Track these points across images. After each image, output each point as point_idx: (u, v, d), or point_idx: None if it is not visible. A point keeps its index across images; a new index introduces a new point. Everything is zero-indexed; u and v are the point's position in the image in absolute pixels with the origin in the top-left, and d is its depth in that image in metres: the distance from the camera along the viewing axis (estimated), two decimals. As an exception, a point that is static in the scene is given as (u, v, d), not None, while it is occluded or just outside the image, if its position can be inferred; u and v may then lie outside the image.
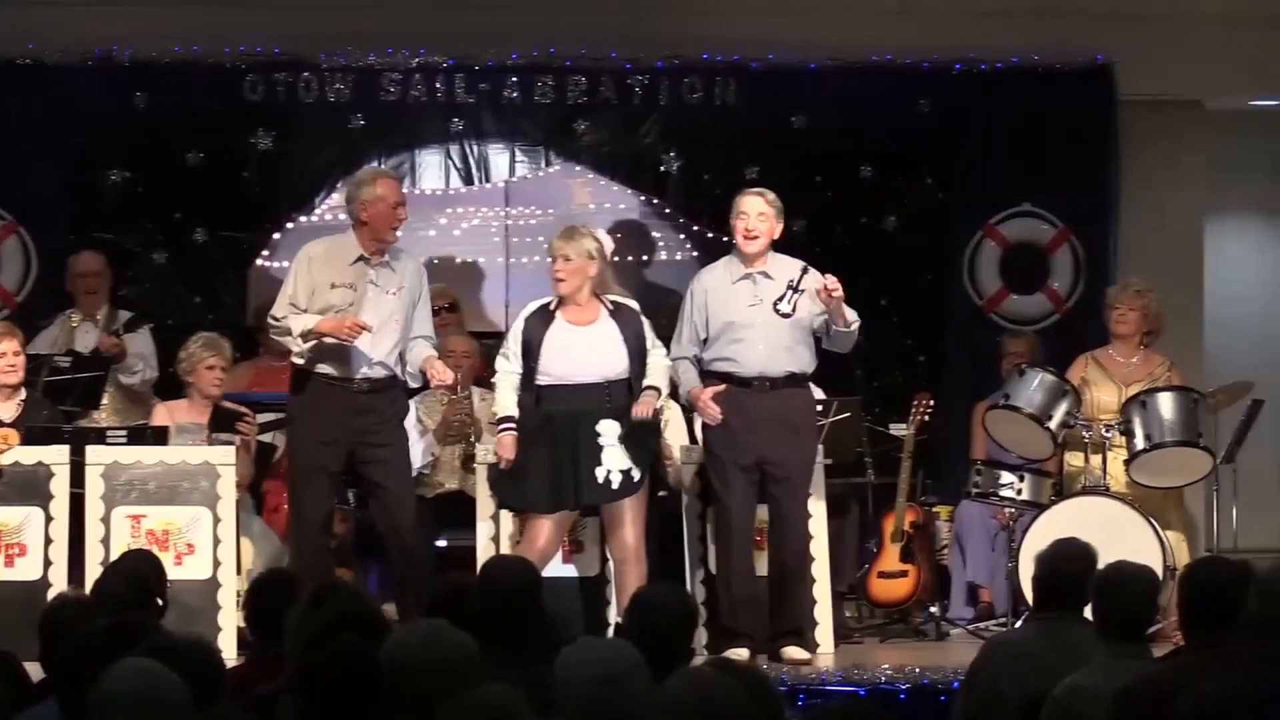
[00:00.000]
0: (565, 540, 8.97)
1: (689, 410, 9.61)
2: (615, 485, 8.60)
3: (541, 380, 8.65)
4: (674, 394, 9.87)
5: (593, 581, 9.10)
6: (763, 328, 8.85)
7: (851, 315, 8.84)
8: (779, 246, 9.06)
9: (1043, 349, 10.89)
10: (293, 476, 9.02)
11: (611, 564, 8.85)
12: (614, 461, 8.59)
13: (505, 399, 8.73)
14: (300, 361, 8.87)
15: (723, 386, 8.83)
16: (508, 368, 8.74)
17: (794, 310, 8.87)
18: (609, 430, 8.61)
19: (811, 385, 9.35)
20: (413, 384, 9.25)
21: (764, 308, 8.86)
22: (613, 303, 8.79)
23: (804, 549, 9.00)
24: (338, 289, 8.83)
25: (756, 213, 8.93)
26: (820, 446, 9.18)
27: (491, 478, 8.86)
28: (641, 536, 8.72)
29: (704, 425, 9.01)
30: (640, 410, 8.66)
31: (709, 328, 8.92)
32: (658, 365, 8.80)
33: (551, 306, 8.74)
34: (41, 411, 9.43)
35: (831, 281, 8.73)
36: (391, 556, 9.00)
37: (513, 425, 8.65)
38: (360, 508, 9.74)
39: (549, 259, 8.77)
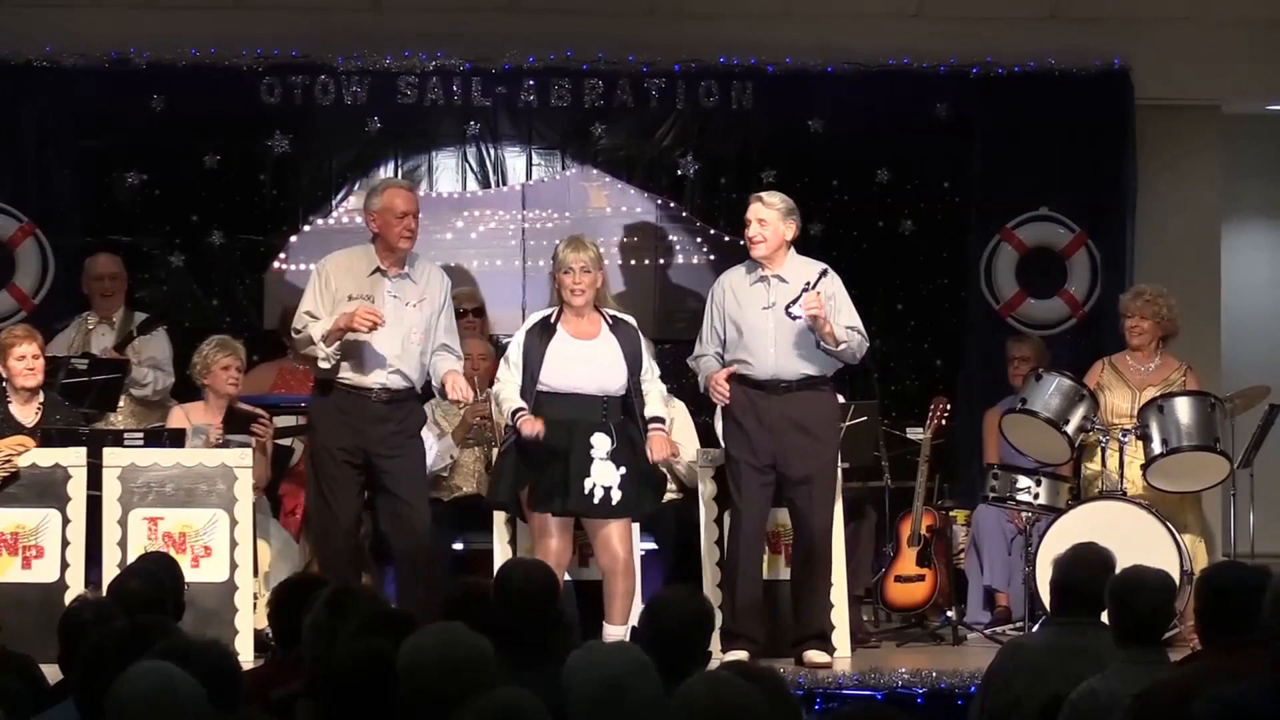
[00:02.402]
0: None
1: (702, 413, 9.63)
2: (597, 500, 8.54)
3: (540, 388, 8.61)
4: (679, 393, 9.89)
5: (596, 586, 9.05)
6: (775, 331, 8.84)
7: (843, 336, 8.79)
8: (798, 249, 9.05)
9: (1048, 352, 10.88)
10: (317, 483, 8.96)
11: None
12: (602, 476, 8.53)
13: (510, 395, 8.65)
14: (327, 367, 8.78)
15: (735, 366, 8.83)
16: (509, 375, 8.70)
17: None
18: (601, 443, 8.56)
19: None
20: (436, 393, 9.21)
21: (777, 310, 8.86)
22: (612, 316, 8.77)
23: (826, 551, 8.96)
24: (356, 301, 8.76)
25: (756, 218, 8.92)
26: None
27: (492, 480, 8.83)
28: (630, 549, 8.69)
29: (723, 427, 9.01)
30: (659, 452, 8.65)
31: (725, 329, 8.93)
32: (657, 395, 8.78)
33: (553, 319, 8.70)
34: (57, 414, 9.43)
35: (812, 303, 8.68)
36: (398, 564, 8.97)
37: (525, 410, 8.60)
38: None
39: (562, 271, 8.64)
